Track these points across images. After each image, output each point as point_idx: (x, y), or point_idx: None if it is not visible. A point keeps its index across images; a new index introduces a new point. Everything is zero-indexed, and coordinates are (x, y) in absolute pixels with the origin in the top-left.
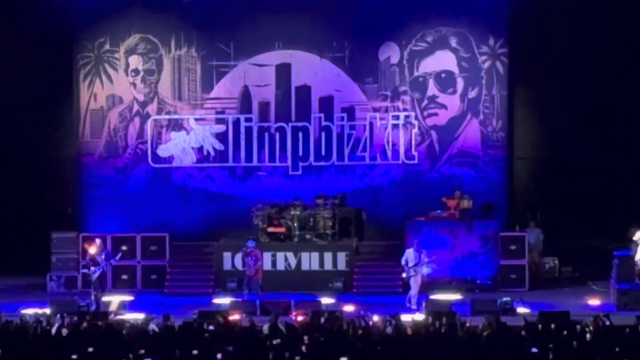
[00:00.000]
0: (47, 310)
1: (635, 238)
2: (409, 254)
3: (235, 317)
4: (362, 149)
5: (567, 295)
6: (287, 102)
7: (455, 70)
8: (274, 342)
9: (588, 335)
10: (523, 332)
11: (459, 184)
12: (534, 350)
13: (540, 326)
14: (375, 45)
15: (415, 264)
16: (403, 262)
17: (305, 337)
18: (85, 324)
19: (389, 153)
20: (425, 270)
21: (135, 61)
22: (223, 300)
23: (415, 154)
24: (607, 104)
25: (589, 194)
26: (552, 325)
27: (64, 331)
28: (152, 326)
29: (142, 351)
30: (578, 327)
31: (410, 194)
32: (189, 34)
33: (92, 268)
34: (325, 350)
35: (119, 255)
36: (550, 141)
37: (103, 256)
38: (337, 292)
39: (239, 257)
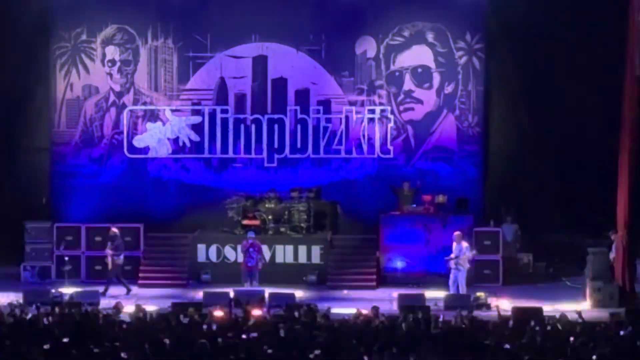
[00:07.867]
0: (21, 300)
1: (612, 237)
2: (454, 246)
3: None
4: (338, 143)
5: (541, 291)
6: (263, 94)
7: (432, 65)
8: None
9: (557, 331)
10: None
11: (434, 178)
12: (507, 346)
13: (513, 322)
14: (352, 38)
15: (456, 256)
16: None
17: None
18: (58, 314)
19: (365, 147)
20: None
21: (111, 51)
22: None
23: (391, 148)
24: (583, 101)
25: (564, 190)
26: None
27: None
28: (124, 316)
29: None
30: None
31: (386, 188)
32: (165, 25)
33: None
34: (299, 343)
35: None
36: (525, 137)
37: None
38: (310, 285)
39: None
